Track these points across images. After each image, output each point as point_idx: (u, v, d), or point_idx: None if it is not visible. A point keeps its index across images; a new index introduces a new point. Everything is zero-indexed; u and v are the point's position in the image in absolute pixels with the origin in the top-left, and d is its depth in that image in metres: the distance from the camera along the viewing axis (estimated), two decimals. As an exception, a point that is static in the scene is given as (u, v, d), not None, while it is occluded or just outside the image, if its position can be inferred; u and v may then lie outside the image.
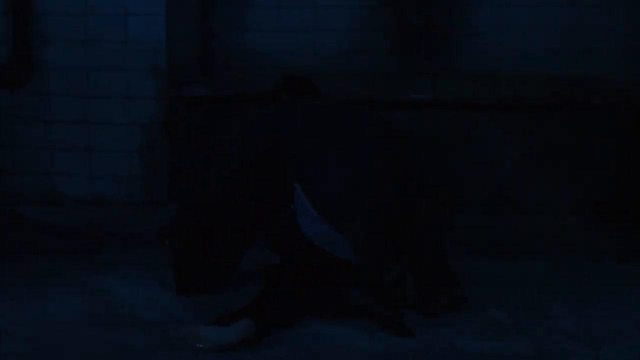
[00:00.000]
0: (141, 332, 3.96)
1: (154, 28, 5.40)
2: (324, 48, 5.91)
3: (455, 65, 5.78)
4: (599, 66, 5.65)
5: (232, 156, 4.37)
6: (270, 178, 4.26)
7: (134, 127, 5.47)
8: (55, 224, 5.44)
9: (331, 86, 5.10)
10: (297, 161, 4.21)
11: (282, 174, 4.24)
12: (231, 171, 4.33)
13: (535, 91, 5.38)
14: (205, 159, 5.49)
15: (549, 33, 5.74)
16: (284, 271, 4.11)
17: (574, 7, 5.73)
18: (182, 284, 4.37)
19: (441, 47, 5.79)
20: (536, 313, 4.14)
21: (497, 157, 5.42)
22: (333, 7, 5.89)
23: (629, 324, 4.02)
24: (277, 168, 4.26)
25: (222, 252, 4.37)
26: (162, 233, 4.56)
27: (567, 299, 4.31)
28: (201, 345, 3.77)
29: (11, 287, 4.48)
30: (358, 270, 4.11)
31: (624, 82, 5.47)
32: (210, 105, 5.59)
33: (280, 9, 5.98)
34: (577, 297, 4.34)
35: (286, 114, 4.41)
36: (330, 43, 5.90)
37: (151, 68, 5.42)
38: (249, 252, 4.42)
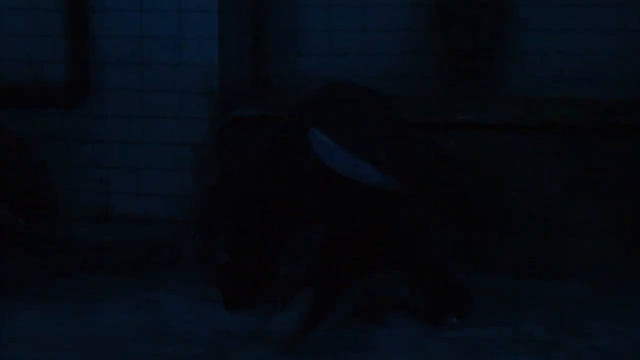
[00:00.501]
0: (189, 347, 4.07)
1: (207, 52, 5.51)
2: (373, 71, 5.98)
3: (502, 89, 5.85)
4: (643, 91, 5.71)
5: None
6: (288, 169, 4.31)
7: (185, 147, 5.58)
8: (107, 241, 5.58)
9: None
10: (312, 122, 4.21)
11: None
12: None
13: (579, 115, 5.43)
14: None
15: (595, 58, 5.80)
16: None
17: (620, 32, 5.78)
18: (229, 299, 4.48)
19: (489, 70, 5.86)
20: (576, 331, 4.21)
21: (540, 179, 5.46)
22: (382, 31, 5.98)
23: (668, 344, 4.08)
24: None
25: (260, 258, 4.47)
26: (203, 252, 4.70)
27: (607, 318, 4.37)
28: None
29: (62, 301, 4.61)
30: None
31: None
32: (261, 126, 5.71)
33: (331, 33, 6.09)
34: (618, 317, 4.39)
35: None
36: (378, 66, 5.98)
37: (204, 90, 5.54)
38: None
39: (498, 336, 4.18)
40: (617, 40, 5.79)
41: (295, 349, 4.04)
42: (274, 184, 4.36)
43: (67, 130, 5.73)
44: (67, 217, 5.72)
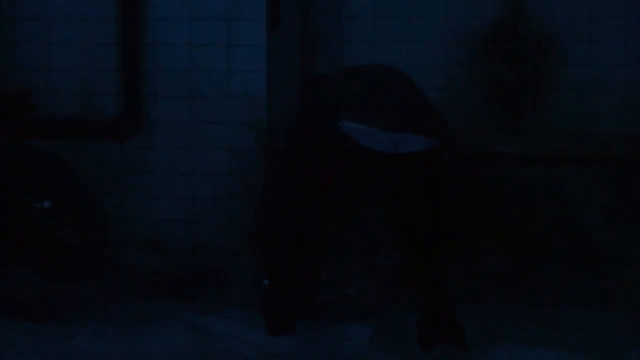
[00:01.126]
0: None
1: (255, 85, 5.65)
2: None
3: (545, 122, 5.92)
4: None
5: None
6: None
7: (234, 177, 5.71)
8: (158, 267, 5.71)
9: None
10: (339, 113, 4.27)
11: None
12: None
13: (620, 147, 5.49)
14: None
15: (637, 91, 5.86)
16: None
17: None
18: (271, 323, 4.57)
19: (532, 104, 5.93)
20: (618, 357, 4.25)
21: (582, 209, 5.52)
22: (428, 66, 6.06)
23: None
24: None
25: (298, 279, 4.57)
26: (251, 240, 4.80)
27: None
28: None
29: (115, 324, 4.73)
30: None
31: None
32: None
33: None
34: (659, 345, 4.44)
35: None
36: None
37: (252, 121, 5.66)
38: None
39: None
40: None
41: None
42: (308, 192, 4.44)
43: (119, 160, 5.88)
44: (120, 244, 5.86)
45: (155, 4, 5.73)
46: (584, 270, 5.41)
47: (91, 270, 5.57)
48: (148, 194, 5.87)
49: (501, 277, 5.44)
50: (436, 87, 6.01)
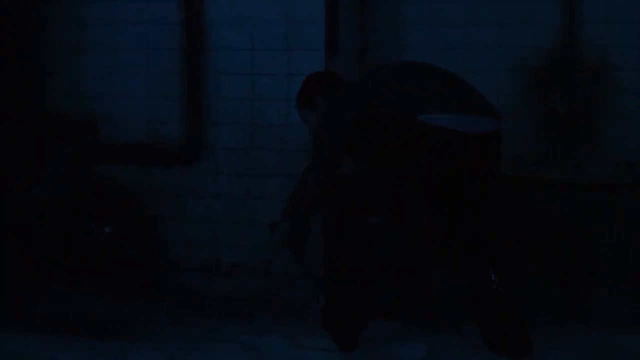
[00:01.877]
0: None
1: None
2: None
3: (598, 149, 5.97)
4: None
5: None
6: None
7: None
8: (217, 290, 5.85)
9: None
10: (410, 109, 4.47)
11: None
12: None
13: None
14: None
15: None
16: None
17: None
18: (344, 339, 4.69)
19: (585, 131, 5.99)
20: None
21: (634, 237, 5.60)
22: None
23: None
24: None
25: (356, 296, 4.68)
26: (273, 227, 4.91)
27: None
28: None
29: (171, 344, 4.86)
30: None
31: None
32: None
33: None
34: None
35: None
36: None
37: (309, 150, 5.77)
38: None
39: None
40: None
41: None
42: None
43: (181, 185, 6.03)
44: (180, 267, 6.00)
45: (218, 34, 5.91)
46: (635, 294, 5.46)
47: (152, 292, 5.74)
48: (208, 219, 6.00)
49: (553, 301, 5.51)
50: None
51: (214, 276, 5.97)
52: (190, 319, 5.37)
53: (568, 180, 5.66)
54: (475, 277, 4.63)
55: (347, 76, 6.10)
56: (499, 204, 4.74)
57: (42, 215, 5.76)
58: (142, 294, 5.71)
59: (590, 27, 5.91)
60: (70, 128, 6.11)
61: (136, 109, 6.10)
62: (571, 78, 5.98)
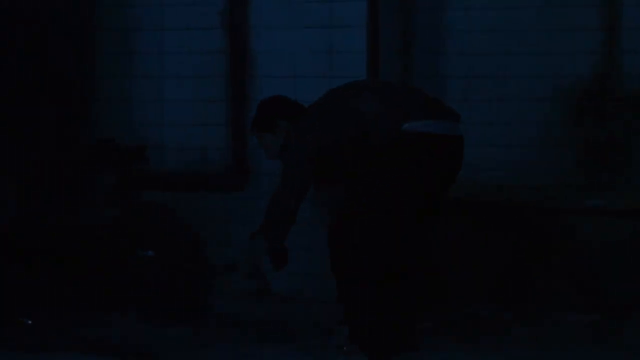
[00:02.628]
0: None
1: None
2: (513, 161, 6.23)
3: (636, 177, 6.02)
4: None
5: None
6: None
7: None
8: (258, 315, 5.95)
9: (510, 195, 5.55)
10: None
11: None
12: None
13: None
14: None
15: None
16: None
17: None
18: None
19: (622, 160, 6.03)
20: None
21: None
22: (518, 123, 6.23)
23: None
24: None
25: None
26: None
27: None
28: None
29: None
30: None
31: None
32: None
33: (473, 126, 6.28)
34: None
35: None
36: (513, 156, 6.23)
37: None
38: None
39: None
40: None
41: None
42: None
43: (226, 211, 6.14)
44: (224, 291, 6.10)
45: (261, 63, 6.05)
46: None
47: (195, 316, 5.83)
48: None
49: (591, 328, 5.55)
50: (528, 145, 6.20)
51: (259, 303, 6.05)
52: (231, 344, 5.44)
53: (607, 209, 5.69)
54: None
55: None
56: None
57: (88, 239, 5.89)
58: (185, 318, 5.80)
59: (629, 57, 5.97)
60: (119, 154, 6.26)
61: (183, 136, 6.24)
62: (608, 106, 6.03)
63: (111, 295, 5.91)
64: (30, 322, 5.66)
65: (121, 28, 6.39)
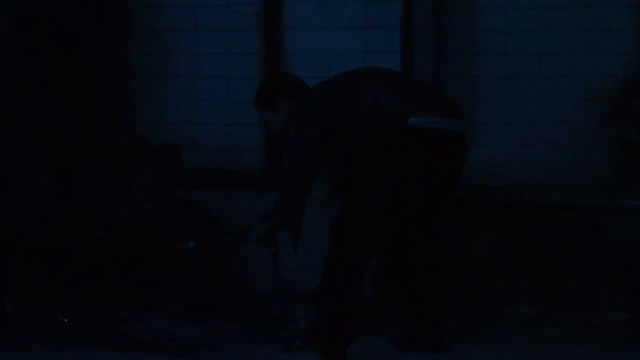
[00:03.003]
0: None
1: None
2: (546, 162, 6.24)
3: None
4: None
5: None
6: None
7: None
8: (291, 315, 5.90)
9: (542, 195, 5.59)
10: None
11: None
12: None
13: None
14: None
15: None
16: None
17: None
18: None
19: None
20: None
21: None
22: (553, 123, 6.24)
23: None
24: None
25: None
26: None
27: None
28: None
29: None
30: None
31: None
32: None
33: (506, 125, 6.38)
34: None
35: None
36: (547, 156, 6.23)
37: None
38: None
39: None
40: None
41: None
42: None
43: (259, 211, 6.16)
44: (261, 293, 6.14)
45: (296, 63, 6.09)
46: None
47: (229, 314, 5.88)
48: (285, 244, 6.13)
49: (623, 328, 5.56)
50: (563, 145, 6.20)
51: (288, 300, 6.07)
52: (252, 344, 5.47)
53: (637, 206, 5.71)
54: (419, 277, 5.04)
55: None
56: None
57: (124, 237, 5.95)
58: (217, 314, 5.84)
59: (664, 56, 5.97)
60: (154, 153, 6.31)
61: (217, 136, 6.28)
62: (644, 107, 6.04)
63: (149, 292, 5.99)
64: (66, 319, 5.72)
65: (156, 28, 6.44)
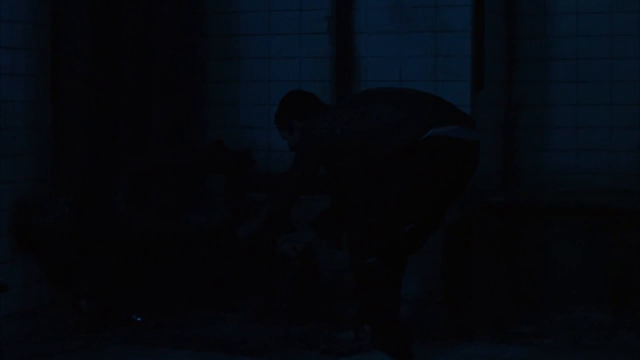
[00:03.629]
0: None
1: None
2: (619, 167, 6.29)
3: None
4: None
5: None
6: None
7: (437, 230, 5.94)
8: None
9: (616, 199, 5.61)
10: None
11: None
12: None
13: None
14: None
15: None
16: None
17: None
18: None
19: None
20: None
21: None
22: (626, 128, 6.28)
23: None
24: None
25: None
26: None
27: None
28: None
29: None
30: None
31: None
32: (508, 213, 6.05)
33: (577, 130, 6.42)
34: None
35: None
36: (619, 161, 6.28)
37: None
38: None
39: None
40: None
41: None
42: None
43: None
44: (334, 293, 6.14)
45: (367, 68, 6.14)
46: None
47: (298, 316, 5.92)
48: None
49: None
50: (634, 149, 6.23)
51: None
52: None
53: None
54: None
55: (493, 109, 6.30)
56: None
57: (199, 240, 6.02)
58: (291, 317, 5.88)
59: None
60: (227, 157, 6.40)
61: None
62: None
63: (223, 293, 6.07)
64: (139, 319, 5.81)
65: (229, 34, 6.53)
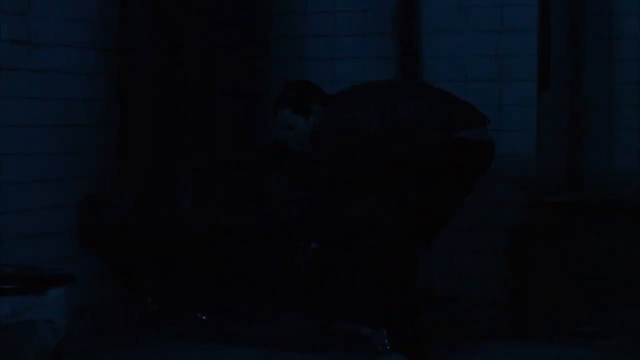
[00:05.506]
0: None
1: (525, 142, 5.92)
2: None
3: None
4: None
5: None
6: None
7: (496, 231, 5.92)
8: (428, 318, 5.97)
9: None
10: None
11: None
12: None
13: None
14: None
15: None
16: None
17: None
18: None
19: None
20: None
21: None
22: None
23: None
24: None
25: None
26: None
27: None
28: None
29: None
30: None
31: None
32: (572, 212, 6.02)
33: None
34: None
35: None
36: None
37: (519, 178, 5.91)
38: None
39: None
40: None
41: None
42: None
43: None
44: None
45: (432, 68, 6.14)
46: None
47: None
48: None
49: None
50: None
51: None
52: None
53: None
54: None
55: (558, 110, 6.27)
56: None
57: (262, 239, 6.04)
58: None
59: None
60: (289, 157, 6.41)
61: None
62: None
63: (278, 290, 6.09)
64: (204, 317, 5.85)
65: (292, 35, 6.56)
